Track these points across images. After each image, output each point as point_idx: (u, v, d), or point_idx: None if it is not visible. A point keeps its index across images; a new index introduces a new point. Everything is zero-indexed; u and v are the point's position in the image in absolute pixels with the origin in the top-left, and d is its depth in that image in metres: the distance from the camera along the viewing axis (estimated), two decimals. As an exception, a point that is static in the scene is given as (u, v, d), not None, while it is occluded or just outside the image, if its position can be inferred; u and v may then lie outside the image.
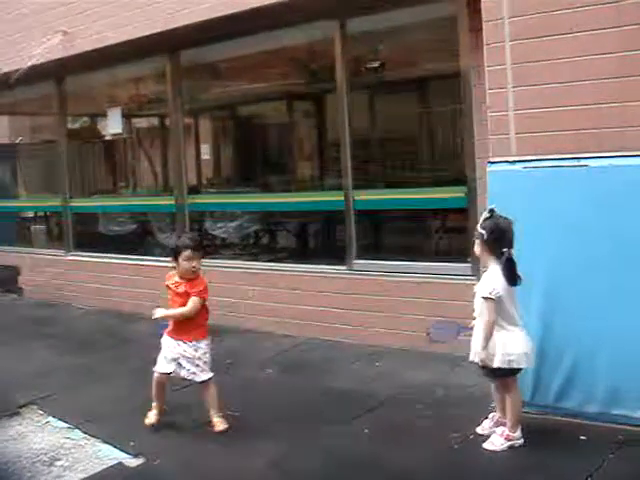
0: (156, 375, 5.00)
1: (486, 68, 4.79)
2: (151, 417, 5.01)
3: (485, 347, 4.16)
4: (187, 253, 4.88)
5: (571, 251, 4.50)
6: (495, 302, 4.13)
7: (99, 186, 10.73)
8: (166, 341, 4.98)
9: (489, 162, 4.82)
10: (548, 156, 4.54)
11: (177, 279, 4.97)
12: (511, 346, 4.16)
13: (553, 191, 4.54)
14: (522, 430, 4.28)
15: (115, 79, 9.46)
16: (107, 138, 9.89)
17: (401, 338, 6.22)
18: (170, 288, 4.99)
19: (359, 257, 6.85)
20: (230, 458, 4.41)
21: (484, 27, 4.75)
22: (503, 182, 4.73)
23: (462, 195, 6.07)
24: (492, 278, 4.17)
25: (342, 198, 6.86)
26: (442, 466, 4.14)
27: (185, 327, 4.92)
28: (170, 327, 4.98)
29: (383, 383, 5.50)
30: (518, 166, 4.66)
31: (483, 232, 4.18)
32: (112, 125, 9.39)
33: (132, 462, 4.44)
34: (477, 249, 4.28)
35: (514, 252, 4.14)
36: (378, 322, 6.45)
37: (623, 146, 4.33)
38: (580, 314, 4.48)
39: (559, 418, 4.56)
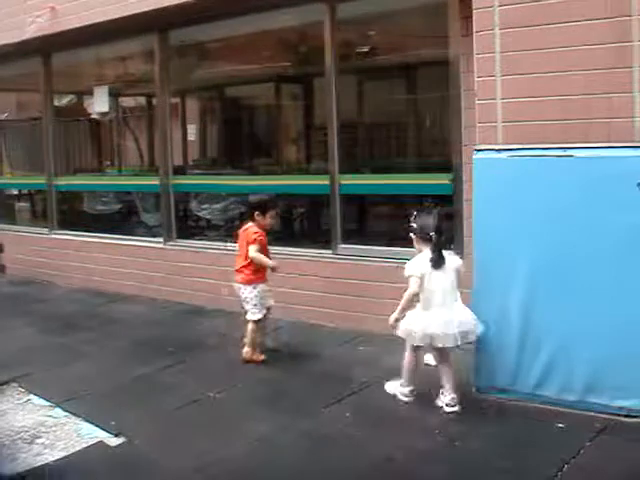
0: None
1: (475, 56, 4.78)
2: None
3: (398, 317, 4.71)
4: (274, 212, 5.84)
5: (554, 241, 4.53)
6: (413, 278, 4.63)
7: (84, 164, 10.66)
8: None
9: (475, 150, 4.82)
10: (534, 145, 4.55)
11: (257, 230, 5.76)
12: (419, 324, 4.63)
13: (538, 180, 4.56)
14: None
15: (103, 57, 9.39)
16: (93, 116, 9.82)
17: (384, 323, 6.22)
18: (254, 238, 5.71)
19: (344, 241, 6.86)
20: (209, 440, 4.41)
21: (474, 14, 4.73)
22: (488, 170, 4.75)
23: (447, 182, 6.08)
24: (415, 260, 4.74)
25: (328, 182, 6.86)
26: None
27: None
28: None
29: (364, 367, 5.53)
30: (504, 154, 4.67)
31: (413, 225, 4.79)
32: (98, 104, 9.32)
33: (112, 441, 4.45)
34: (414, 242, 4.82)
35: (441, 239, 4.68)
36: (362, 307, 6.47)
37: (609, 137, 4.35)
38: (561, 303, 4.53)
39: (538, 405, 4.60)
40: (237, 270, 5.89)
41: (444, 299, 4.62)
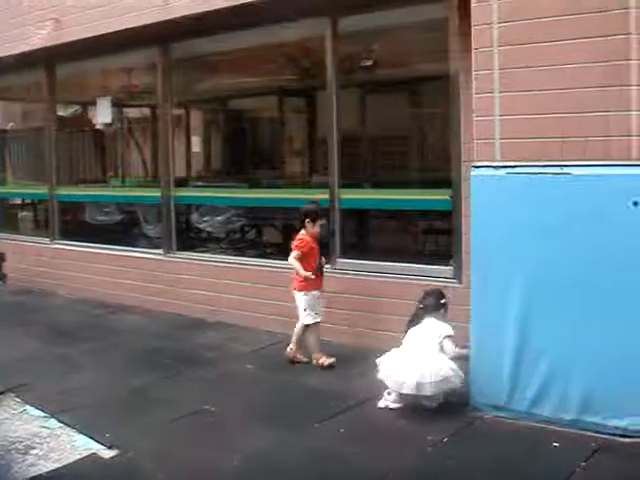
0: None
1: (473, 72, 4.78)
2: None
3: None
4: (323, 221, 6.20)
5: (551, 258, 4.52)
6: None
7: (86, 175, 10.69)
8: None
9: (473, 166, 4.83)
10: (532, 162, 4.55)
11: (303, 237, 6.07)
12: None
13: (536, 197, 4.56)
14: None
15: (105, 69, 9.45)
16: (96, 127, 9.86)
17: (382, 339, 6.21)
18: (295, 245, 6.03)
19: (343, 256, 6.85)
20: (203, 453, 4.40)
21: (473, 31, 4.74)
22: (486, 187, 4.75)
23: (447, 197, 6.08)
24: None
25: (327, 196, 6.86)
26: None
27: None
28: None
29: (363, 383, 5.51)
30: (502, 171, 4.67)
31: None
32: (101, 114, 9.37)
33: (106, 453, 4.44)
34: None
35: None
36: (360, 322, 6.46)
37: (607, 155, 4.35)
38: (557, 322, 4.52)
39: (533, 424, 4.58)
40: (293, 277, 6.11)
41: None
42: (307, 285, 5.99)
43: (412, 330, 5.10)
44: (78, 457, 4.39)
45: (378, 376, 5.02)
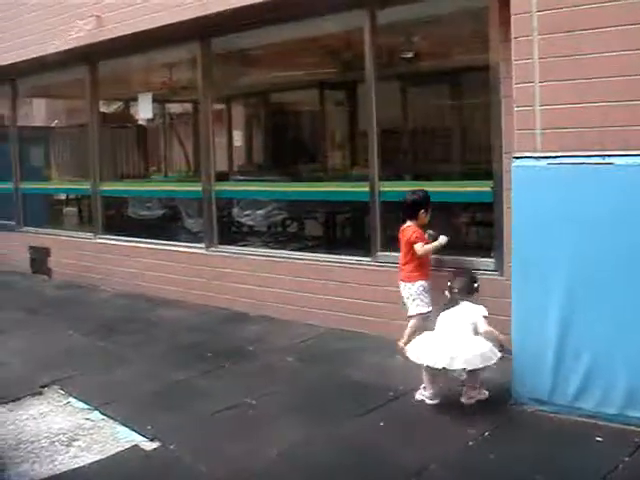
0: None
1: (513, 62, 4.71)
2: None
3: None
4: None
5: (593, 250, 4.44)
6: None
7: (129, 170, 10.82)
8: None
9: (514, 157, 4.76)
10: (573, 153, 4.47)
11: (415, 228, 5.92)
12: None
13: (577, 188, 4.48)
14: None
15: (146, 65, 9.54)
16: (138, 123, 9.96)
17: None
18: (416, 236, 5.88)
19: (383, 249, 6.82)
20: (243, 446, 4.43)
21: (512, 20, 4.67)
22: (527, 178, 4.68)
23: (488, 189, 6.01)
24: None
25: (368, 189, 6.84)
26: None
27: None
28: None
29: (403, 376, 5.48)
30: (543, 162, 4.60)
31: None
32: (143, 110, 9.46)
33: (148, 445, 4.49)
34: None
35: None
36: (401, 314, 6.42)
37: (650, 145, 4.26)
38: (600, 314, 4.43)
39: (576, 418, 4.52)
40: (399, 268, 6.09)
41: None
42: (417, 275, 5.94)
43: (444, 313, 5.01)
44: (120, 449, 4.45)
45: (409, 357, 4.94)
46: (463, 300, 5.00)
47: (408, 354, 4.98)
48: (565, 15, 4.48)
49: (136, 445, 4.49)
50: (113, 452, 4.41)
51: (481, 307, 4.92)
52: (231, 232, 8.80)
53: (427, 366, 4.84)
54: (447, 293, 5.09)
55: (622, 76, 4.33)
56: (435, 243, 5.92)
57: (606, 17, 4.35)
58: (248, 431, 4.66)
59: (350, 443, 4.44)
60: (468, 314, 4.90)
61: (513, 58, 4.72)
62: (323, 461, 4.23)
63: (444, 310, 5.04)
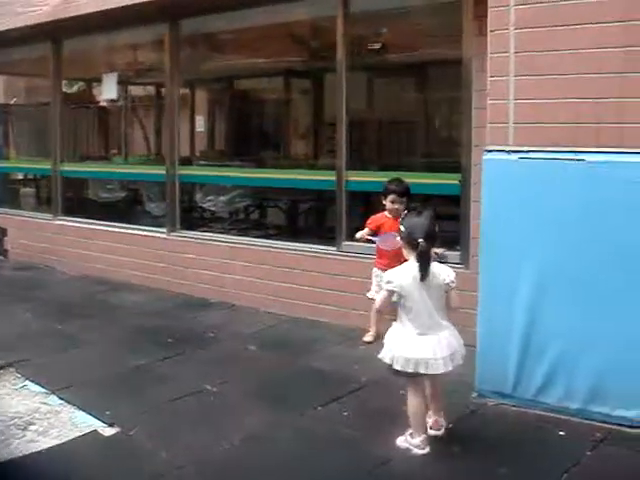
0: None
1: (489, 55, 4.69)
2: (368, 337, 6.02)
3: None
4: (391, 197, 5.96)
5: (563, 245, 4.45)
6: (388, 293, 4.03)
7: (90, 151, 10.63)
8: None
9: (485, 150, 4.74)
10: (545, 148, 4.48)
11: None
12: (403, 348, 3.98)
13: (548, 184, 4.48)
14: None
15: (113, 44, 9.35)
16: (101, 104, 9.79)
17: (384, 322, 6.17)
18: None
19: (349, 239, 6.79)
20: (204, 433, 4.37)
21: (489, 13, 4.65)
22: (498, 171, 4.68)
23: (456, 182, 6.02)
24: (397, 270, 4.07)
25: (334, 178, 6.80)
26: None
27: None
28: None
29: (365, 366, 5.47)
30: (514, 156, 4.60)
31: (401, 227, 4.12)
32: (107, 91, 9.29)
33: (107, 431, 4.40)
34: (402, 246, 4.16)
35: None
36: (365, 305, 6.40)
37: (621, 143, 4.27)
38: (568, 310, 4.45)
39: (539, 412, 4.54)
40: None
41: (430, 319, 3.99)
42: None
43: (421, 287, 3.97)
44: (78, 434, 4.35)
45: (395, 368, 4.04)
46: (434, 258, 4.15)
47: (386, 361, 4.09)
48: (541, 10, 4.47)
49: (95, 430, 4.40)
50: (71, 437, 4.31)
51: (450, 271, 4.09)
52: (194, 217, 8.71)
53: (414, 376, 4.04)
54: None
55: (595, 73, 4.34)
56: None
57: (582, 14, 4.35)
58: (209, 418, 4.60)
59: (312, 432, 4.41)
60: (441, 284, 4.03)
61: (489, 52, 4.70)
62: (284, 449, 4.19)
63: (415, 274, 3.97)
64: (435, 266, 4.02)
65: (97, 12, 7.93)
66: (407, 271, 4.01)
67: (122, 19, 8.04)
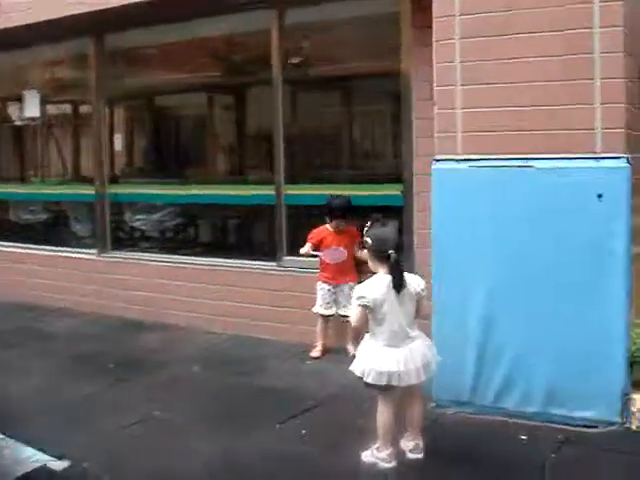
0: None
1: (435, 65, 4.71)
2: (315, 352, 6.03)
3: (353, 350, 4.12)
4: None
5: (514, 253, 4.50)
6: (362, 308, 3.93)
7: (10, 172, 10.20)
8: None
9: (434, 159, 4.76)
10: (495, 156, 4.53)
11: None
12: (374, 361, 3.91)
13: (498, 191, 4.53)
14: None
15: (35, 60, 9.00)
16: (21, 122, 9.42)
17: (330, 337, 6.12)
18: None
19: (289, 253, 6.71)
20: (159, 460, 4.22)
21: (434, 23, 4.67)
22: (448, 180, 4.71)
23: (398, 193, 6.02)
24: (368, 284, 3.98)
25: (273, 192, 6.72)
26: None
27: None
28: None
29: (317, 382, 5.39)
30: (464, 165, 4.63)
31: (367, 239, 4.04)
32: (29, 109, 8.95)
33: (58, 465, 4.17)
34: (368, 258, 4.11)
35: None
36: (308, 320, 6.33)
37: (570, 148, 4.35)
38: (520, 315, 4.51)
39: (499, 418, 4.56)
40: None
41: (402, 330, 3.93)
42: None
43: (394, 299, 3.91)
44: (27, 470, 4.09)
45: (355, 372, 4.00)
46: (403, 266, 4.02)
47: (357, 374, 4.00)
48: (488, 19, 4.53)
49: (44, 465, 4.16)
50: (19, 475, 4.05)
51: (420, 280, 4.08)
52: (125, 237, 8.45)
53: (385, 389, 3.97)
54: None
55: (542, 81, 4.42)
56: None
57: (527, 23, 4.43)
58: (162, 445, 4.43)
59: (270, 452, 4.28)
60: (414, 296, 4.01)
61: (435, 61, 4.72)
62: (246, 473, 4.07)
63: (389, 287, 3.91)
64: (406, 276, 3.97)
65: (21, 26, 7.63)
66: (378, 284, 3.93)
67: (47, 33, 7.75)
